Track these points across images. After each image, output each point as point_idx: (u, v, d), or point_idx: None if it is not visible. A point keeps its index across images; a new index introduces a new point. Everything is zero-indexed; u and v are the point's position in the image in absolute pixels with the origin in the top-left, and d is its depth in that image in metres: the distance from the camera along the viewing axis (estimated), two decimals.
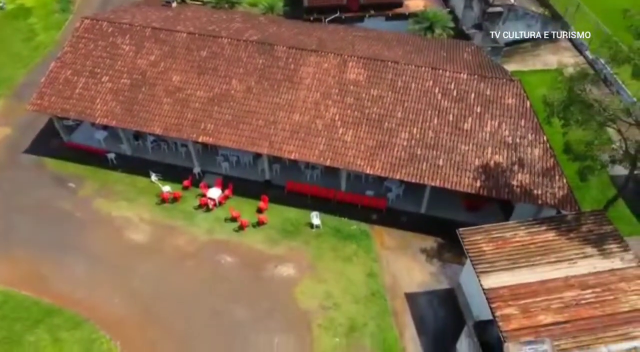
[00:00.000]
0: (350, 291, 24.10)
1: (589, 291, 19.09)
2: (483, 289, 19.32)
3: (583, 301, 18.79)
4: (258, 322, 23.00)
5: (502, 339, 17.78)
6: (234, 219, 27.22)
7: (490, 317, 18.89)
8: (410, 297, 23.96)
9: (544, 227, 21.34)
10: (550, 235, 21.05)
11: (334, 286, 24.33)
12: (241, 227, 26.90)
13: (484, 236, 21.21)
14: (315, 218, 26.85)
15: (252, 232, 26.76)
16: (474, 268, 20.09)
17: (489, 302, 18.90)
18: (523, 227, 21.41)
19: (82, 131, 32.47)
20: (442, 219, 26.99)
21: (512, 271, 19.86)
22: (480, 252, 20.65)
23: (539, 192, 24.36)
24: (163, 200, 28.23)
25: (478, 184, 24.77)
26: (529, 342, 16.34)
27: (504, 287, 19.35)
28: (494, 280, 19.58)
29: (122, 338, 22.46)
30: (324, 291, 24.14)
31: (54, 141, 31.75)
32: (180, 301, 23.82)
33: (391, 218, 27.33)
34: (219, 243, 26.30)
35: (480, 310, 20.76)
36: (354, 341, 22.36)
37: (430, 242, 26.21)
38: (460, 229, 21.63)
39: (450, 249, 25.54)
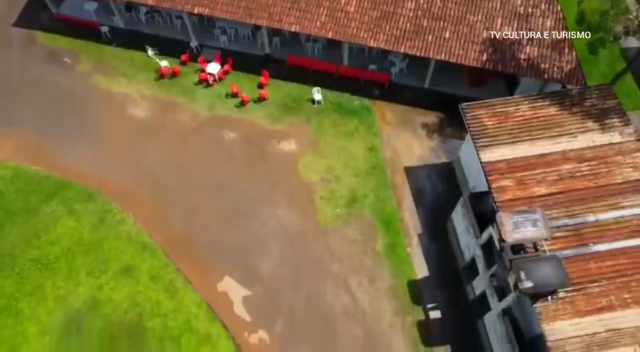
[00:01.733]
0: (351, 165, 24.70)
1: (585, 164, 19.51)
2: (481, 163, 19.74)
3: (578, 174, 19.30)
4: (262, 195, 23.92)
5: (495, 209, 18.59)
6: (234, 95, 26.95)
7: (486, 189, 19.59)
8: (409, 171, 24.60)
9: (547, 102, 21.15)
10: (553, 109, 20.94)
11: (336, 160, 24.86)
12: (242, 103, 26.76)
13: (487, 111, 21.11)
14: (317, 93, 26.56)
15: (253, 108, 26.66)
16: (474, 142, 20.31)
17: (485, 175, 19.42)
18: (527, 102, 21.22)
19: (71, 2, 30.73)
20: (445, 94, 26.65)
21: (512, 145, 20.10)
22: (482, 126, 20.70)
23: (546, 65, 23.71)
24: (161, 75, 27.70)
25: (484, 57, 24.03)
26: (521, 212, 17.08)
27: (502, 160, 19.74)
28: (493, 154, 19.89)
29: (133, 209, 23.58)
30: (325, 165, 24.73)
31: (43, 13, 30.21)
32: (185, 175, 24.55)
33: (394, 93, 26.99)
34: (221, 119, 26.36)
35: (477, 182, 21.41)
36: (354, 211, 23.44)
37: (431, 117, 26.20)
38: (463, 103, 21.48)
39: (451, 124, 25.63)
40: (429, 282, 21.70)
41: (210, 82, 27.41)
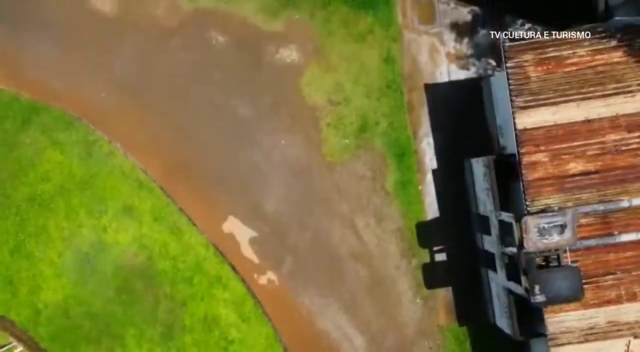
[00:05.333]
0: (363, 82, 21.26)
1: (636, 134, 16.81)
2: (515, 130, 16.97)
3: (624, 147, 16.90)
4: (261, 119, 21.31)
5: (522, 188, 16.85)
6: None
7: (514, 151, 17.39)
8: (430, 89, 21.27)
9: (613, 43, 16.83)
10: (617, 54, 16.86)
11: (345, 75, 21.27)
12: None
13: (534, 56, 17.05)
14: None
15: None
16: (512, 102, 16.99)
17: (517, 146, 16.95)
18: (586, 43, 16.90)
19: None
20: None
21: (555, 106, 16.93)
22: (524, 79, 17.04)
23: None
24: None
25: None
26: (550, 216, 15.52)
27: (541, 127, 16.95)
28: (531, 119, 16.96)
29: (121, 138, 21.41)
30: (333, 81, 21.29)
31: None
32: (173, 91, 21.47)
33: None
34: (206, 15, 21.43)
35: (505, 125, 18.78)
36: (364, 142, 21.24)
37: (464, 13, 21.24)
38: (507, 42, 17.21)
39: (488, 21, 20.98)
40: (439, 224, 21.15)
41: None
